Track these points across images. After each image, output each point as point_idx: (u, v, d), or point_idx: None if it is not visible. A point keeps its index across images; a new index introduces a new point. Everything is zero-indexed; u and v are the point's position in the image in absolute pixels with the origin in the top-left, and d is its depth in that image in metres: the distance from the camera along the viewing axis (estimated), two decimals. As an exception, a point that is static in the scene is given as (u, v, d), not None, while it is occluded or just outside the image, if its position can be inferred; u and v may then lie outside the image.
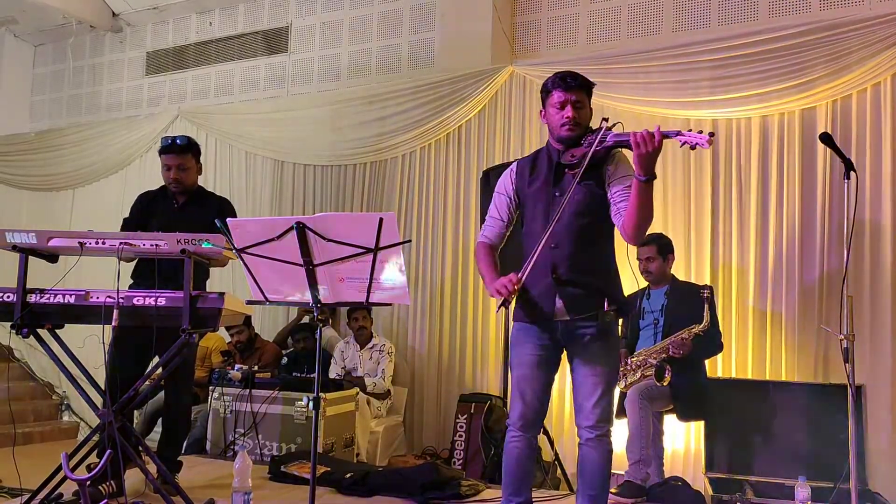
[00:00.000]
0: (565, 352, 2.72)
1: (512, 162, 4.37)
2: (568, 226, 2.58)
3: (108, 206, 6.58)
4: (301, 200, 6.04)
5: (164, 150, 3.63)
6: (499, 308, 2.54)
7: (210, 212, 3.58)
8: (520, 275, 2.50)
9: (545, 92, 2.71)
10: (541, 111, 2.76)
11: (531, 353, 2.68)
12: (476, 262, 2.85)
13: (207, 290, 3.40)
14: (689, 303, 3.88)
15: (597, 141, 2.52)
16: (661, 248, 4.05)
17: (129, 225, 3.63)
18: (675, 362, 3.79)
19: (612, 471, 4.00)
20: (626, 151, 2.54)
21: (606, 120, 2.57)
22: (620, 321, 2.97)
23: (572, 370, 2.70)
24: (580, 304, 2.60)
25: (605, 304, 2.59)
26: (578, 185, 2.54)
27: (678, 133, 2.34)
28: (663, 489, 3.67)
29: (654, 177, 2.39)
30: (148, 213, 3.67)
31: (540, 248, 2.52)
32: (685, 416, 3.97)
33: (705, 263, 4.58)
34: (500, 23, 5.38)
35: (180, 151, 3.61)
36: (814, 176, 4.37)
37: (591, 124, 2.70)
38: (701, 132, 2.29)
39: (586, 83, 2.69)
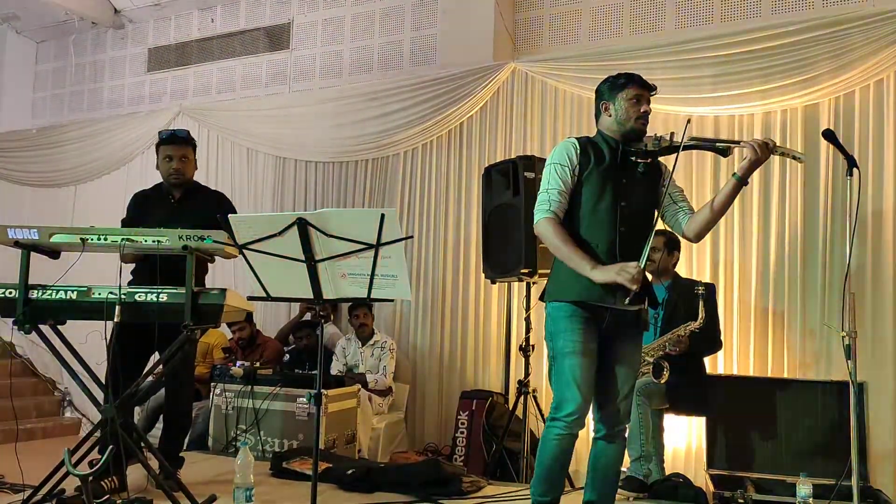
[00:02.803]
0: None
1: (514, 158, 4.42)
2: (634, 214, 2.63)
3: (110, 203, 6.56)
4: (303, 197, 6.04)
5: (166, 141, 3.63)
6: (629, 300, 2.49)
7: (208, 207, 3.56)
8: (640, 264, 2.48)
9: (617, 85, 2.71)
10: (602, 103, 2.75)
11: (587, 340, 2.57)
12: (552, 238, 2.62)
13: (207, 286, 3.41)
14: (689, 299, 3.87)
15: (683, 140, 2.59)
16: (667, 242, 4.06)
17: (127, 226, 3.59)
18: (674, 359, 3.79)
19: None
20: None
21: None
22: None
23: (605, 363, 2.64)
24: (637, 295, 2.56)
25: (646, 299, 2.65)
26: (644, 177, 2.67)
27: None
28: (665, 486, 3.67)
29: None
30: (144, 211, 3.64)
31: (651, 234, 2.58)
32: (682, 410, 3.96)
33: (706, 260, 4.57)
34: (502, 19, 5.37)
35: (182, 143, 3.62)
36: (816, 172, 4.36)
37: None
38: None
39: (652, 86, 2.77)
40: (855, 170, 3.00)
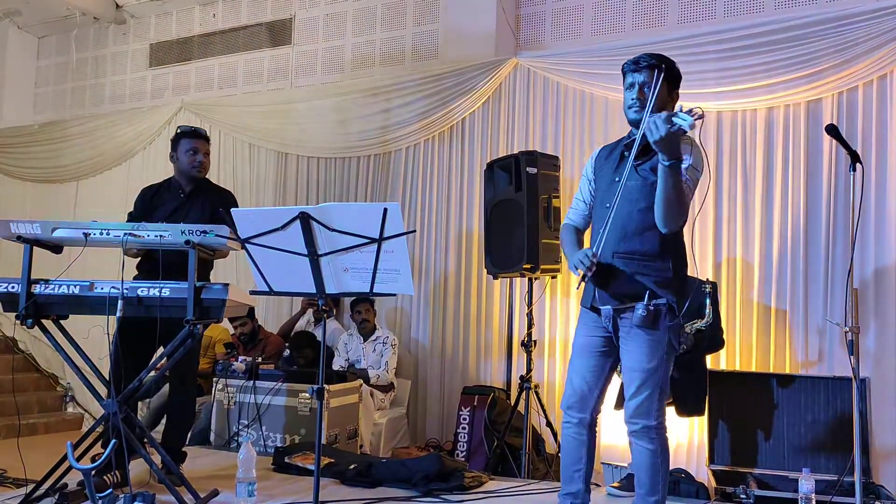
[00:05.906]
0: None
1: (516, 153, 4.43)
2: (619, 212, 2.52)
3: (111, 198, 6.61)
4: (305, 193, 6.03)
5: (190, 135, 3.68)
6: (579, 284, 2.60)
7: (214, 203, 3.60)
8: (594, 248, 2.51)
9: (622, 73, 2.67)
10: None
11: (583, 337, 2.70)
12: (560, 243, 2.94)
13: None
14: (695, 297, 3.87)
15: (643, 124, 2.45)
16: None
17: (134, 220, 3.59)
18: (677, 358, 3.79)
19: (616, 463, 4.03)
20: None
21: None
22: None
23: (621, 361, 2.64)
24: (619, 293, 2.55)
25: (647, 296, 2.49)
26: (634, 171, 2.54)
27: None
28: (666, 481, 3.67)
29: (679, 161, 2.36)
30: (153, 206, 3.67)
31: (606, 226, 2.53)
32: (684, 411, 3.96)
33: (709, 256, 4.56)
34: (504, 14, 5.36)
35: (206, 139, 3.73)
36: (819, 168, 4.35)
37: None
38: (690, 111, 2.26)
39: (660, 63, 2.57)
40: (858, 165, 2.99)
